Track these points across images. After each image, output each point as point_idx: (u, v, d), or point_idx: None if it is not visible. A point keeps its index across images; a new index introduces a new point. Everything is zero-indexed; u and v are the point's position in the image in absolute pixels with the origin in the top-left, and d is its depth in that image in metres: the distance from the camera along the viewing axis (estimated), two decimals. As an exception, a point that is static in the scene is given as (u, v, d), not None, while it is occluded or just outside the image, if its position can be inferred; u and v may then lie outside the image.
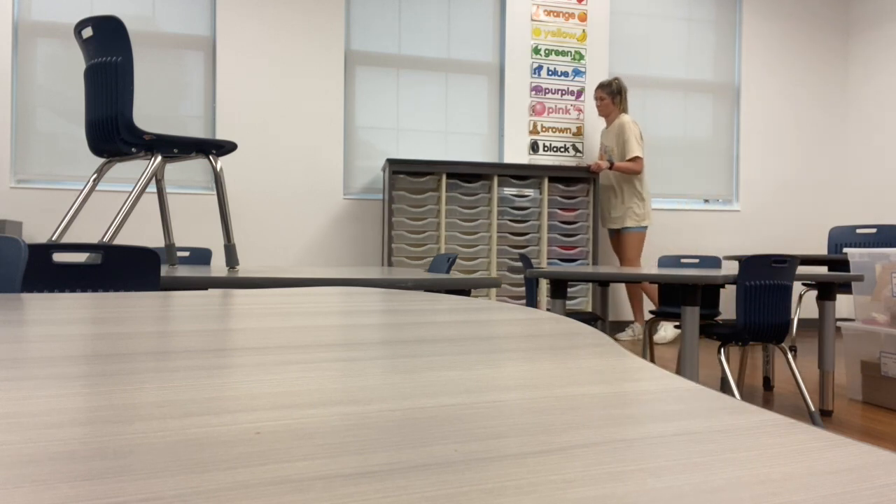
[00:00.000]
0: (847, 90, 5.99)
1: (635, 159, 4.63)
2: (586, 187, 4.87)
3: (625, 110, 4.76)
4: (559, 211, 4.83)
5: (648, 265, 5.36)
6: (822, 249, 5.89)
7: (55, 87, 4.43)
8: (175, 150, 2.05)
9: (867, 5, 5.80)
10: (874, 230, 4.52)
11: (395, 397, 0.31)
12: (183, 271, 1.69)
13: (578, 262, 4.89)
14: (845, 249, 3.34)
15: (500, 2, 5.22)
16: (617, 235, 4.86)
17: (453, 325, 0.58)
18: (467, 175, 4.70)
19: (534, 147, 5.23)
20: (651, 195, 4.89)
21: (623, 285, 5.39)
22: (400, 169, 4.57)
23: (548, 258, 4.81)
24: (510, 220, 4.77)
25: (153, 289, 1.42)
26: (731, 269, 2.89)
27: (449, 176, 4.66)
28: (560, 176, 4.80)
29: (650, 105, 5.54)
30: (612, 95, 4.73)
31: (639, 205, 4.71)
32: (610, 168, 4.64)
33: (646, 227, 4.73)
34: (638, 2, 5.51)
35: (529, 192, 4.79)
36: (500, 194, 4.74)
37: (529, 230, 4.78)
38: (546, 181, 4.76)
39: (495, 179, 4.68)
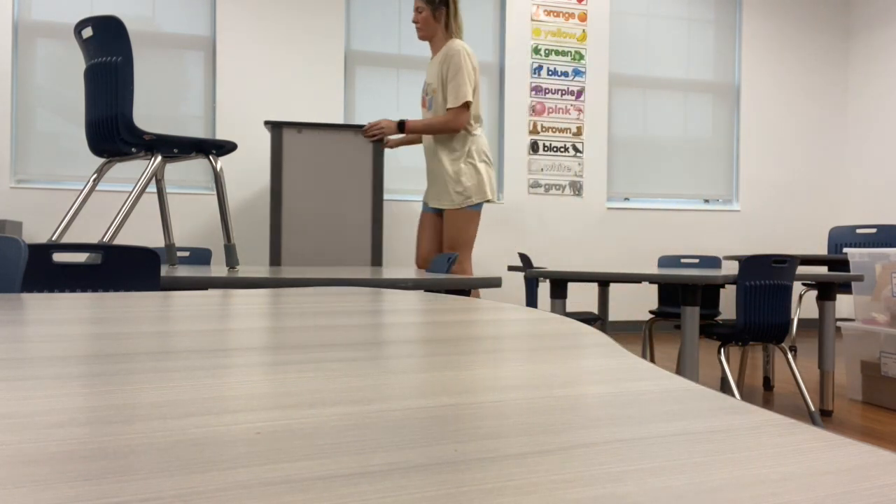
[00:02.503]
0: (847, 90, 5.99)
1: (460, 108, 3.19)
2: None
3: (456, 34, 3.32)
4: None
5: (645, 264, 5.36)
6: (822, 249, 5.89)
7: (55, 87, 4.43)
8: (175, 150, 2.05)
9: (867, 6, 5.80)
10: (874, 230, 4.52)
11: (395, 397, 0.31)
12: (183, 271, 1.69)
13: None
14: (845, 249, 3.34)
15: (500, 2, 5.22)
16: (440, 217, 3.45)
17: (453, 325, 0.58)
18: None
19: (534, 147, 5.23)
20: (490, 160, 3.35)
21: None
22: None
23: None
24: None
25: (153, 289, 1.42)
26: (731, 269, 2.89)
27: None
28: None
29: (650, 105, 5.54)
30: (434, 7, 3.28)
31: (465, 173, 3.25)
32: (401, 131, 3.24)
33: (478, 205, 3.28)
34: (638, 2, 5.51)
35: None
36: None
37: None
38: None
39: None
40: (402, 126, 3.24)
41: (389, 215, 4.94)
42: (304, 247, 3.57)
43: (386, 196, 4.95)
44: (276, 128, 3.42)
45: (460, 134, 3.27)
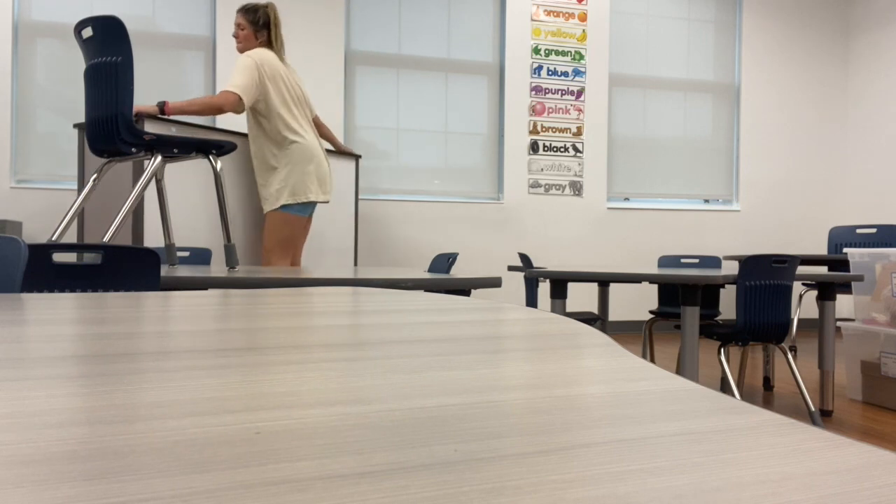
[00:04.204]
0: (847, 90, 5.99)
1: (227, 91, 3.05)
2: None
3: (272, 48, 3.27)
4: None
5: (645, 264, 5.36)
6: (822, 249, 5.89)
7: (55, 87, 4.43)
8: (175, 150, 2.05)
9: (867, 6, 5.80)
10: (874, 230, 4.52)
11: (395, 397, 0.31)
12: (183, 271, 1.69)
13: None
14: (845, 249, 3.34)
15: (500, 2, 5.22)
16: None
17: (453, 325, 0.58)
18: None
19: (534, 147, 5.23)
20: (315, 161, 3.28)
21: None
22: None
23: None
24: None
25: (153, 289, 1.42)
26: (731, 269, 2.89)
27: None
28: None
29: (650, 105, 5.54)
30: (256, 27, 3.21)
31: (273, 175, 3.26)
32: (162, 113, 2.90)
33: (290, 208, 3.23)
34: (638, 2, 5.51)
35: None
36: None
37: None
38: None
39: None
40: (162, 108, 2.91)
41: (385, 215, 4.94)
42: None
43: (382, 196, 4.95)
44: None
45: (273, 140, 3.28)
